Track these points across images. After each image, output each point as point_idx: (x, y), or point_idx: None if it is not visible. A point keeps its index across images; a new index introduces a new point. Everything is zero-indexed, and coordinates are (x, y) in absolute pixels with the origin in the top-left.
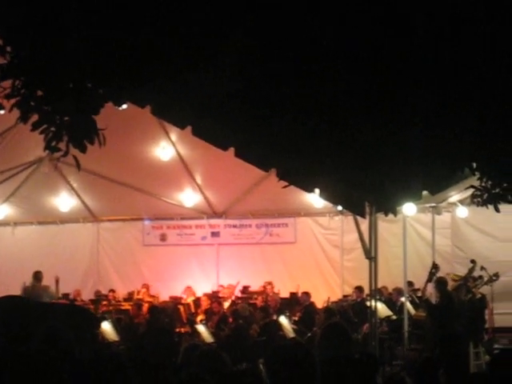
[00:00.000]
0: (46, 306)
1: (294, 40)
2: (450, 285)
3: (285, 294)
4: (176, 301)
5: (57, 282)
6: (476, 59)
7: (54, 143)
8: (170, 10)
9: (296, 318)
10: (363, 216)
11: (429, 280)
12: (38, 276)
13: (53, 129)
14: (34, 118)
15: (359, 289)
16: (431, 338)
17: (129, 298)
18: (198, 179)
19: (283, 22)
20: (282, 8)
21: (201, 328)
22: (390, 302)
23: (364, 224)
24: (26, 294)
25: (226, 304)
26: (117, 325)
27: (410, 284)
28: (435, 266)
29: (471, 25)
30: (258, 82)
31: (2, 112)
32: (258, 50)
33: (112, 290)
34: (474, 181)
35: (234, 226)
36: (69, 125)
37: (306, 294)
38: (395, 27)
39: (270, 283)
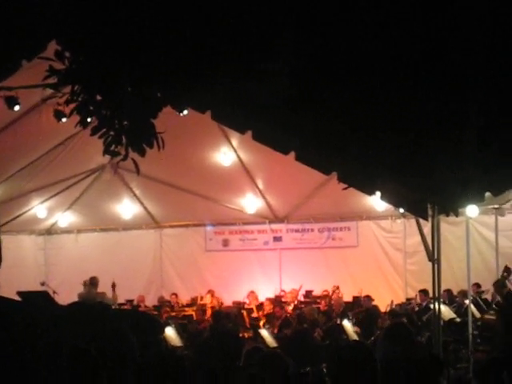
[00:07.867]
0: (109, 310)
1: (352, 43)
2: None
3: (348, 298)
4: (239, 306)
5: (113, 287)
6: None
7: (113, 147)
8: (227, 17)
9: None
10: (426, 218)
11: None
12: (93, 281)
13: (112, 133)
14: (95, 123)
15: (424, 292)
16: (500, 341)
17: (192, 303)
18: (260, 184)
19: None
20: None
21: (264, 332)
22: (458, 305)
23: (426, 227)
24: (81, 299)
25: (289, 308)
26: (180, 330)
27: (478, 286)
28: (507, 270)
29: None
30: (317, 86)
31: (65, 120)
32: (315, 54)
33: (174, 294)
34: None
35: (296, 231)
36: (127, 129)
37: (368, 297)
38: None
39: (337, 288)
